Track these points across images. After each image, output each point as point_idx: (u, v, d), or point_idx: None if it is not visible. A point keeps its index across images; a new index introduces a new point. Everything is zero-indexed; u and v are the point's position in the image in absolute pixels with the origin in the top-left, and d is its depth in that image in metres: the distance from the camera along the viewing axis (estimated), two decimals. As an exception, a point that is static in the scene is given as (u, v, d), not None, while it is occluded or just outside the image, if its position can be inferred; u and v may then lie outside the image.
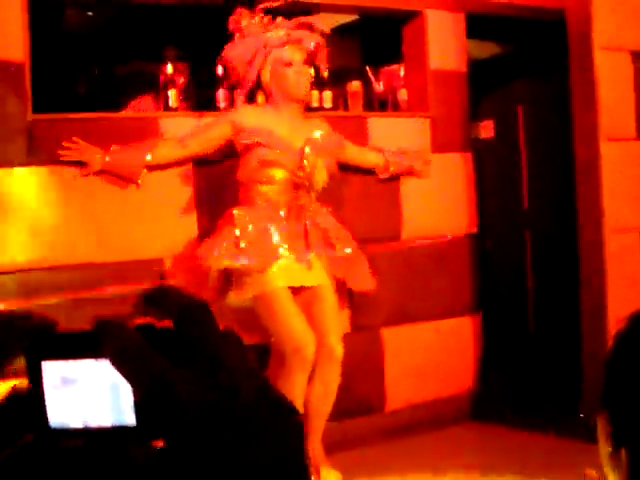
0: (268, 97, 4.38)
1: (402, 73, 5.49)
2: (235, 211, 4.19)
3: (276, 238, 4.17)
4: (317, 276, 4.27)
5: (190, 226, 4.57)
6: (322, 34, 4.38)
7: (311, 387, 4.26)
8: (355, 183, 5.05)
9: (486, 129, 6.30)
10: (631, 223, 5.09)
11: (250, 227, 4.14)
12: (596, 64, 4.92)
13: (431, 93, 5.44)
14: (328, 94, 5.14)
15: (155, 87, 4.73)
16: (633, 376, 1.10)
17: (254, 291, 4.13)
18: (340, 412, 4.89)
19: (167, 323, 0.69)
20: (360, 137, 5.09)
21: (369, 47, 6.24)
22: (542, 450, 4.83)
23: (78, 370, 0.71)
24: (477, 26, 5.64)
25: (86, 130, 4.32)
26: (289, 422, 0.68)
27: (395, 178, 5.14)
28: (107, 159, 4.22)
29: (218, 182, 4.64)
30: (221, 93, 4.78)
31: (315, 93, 5.04)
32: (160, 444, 0.68)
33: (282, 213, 4.23)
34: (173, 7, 4.87)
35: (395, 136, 5.24)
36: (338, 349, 4.25)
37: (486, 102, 6.23)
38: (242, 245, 4.09)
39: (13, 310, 0.75)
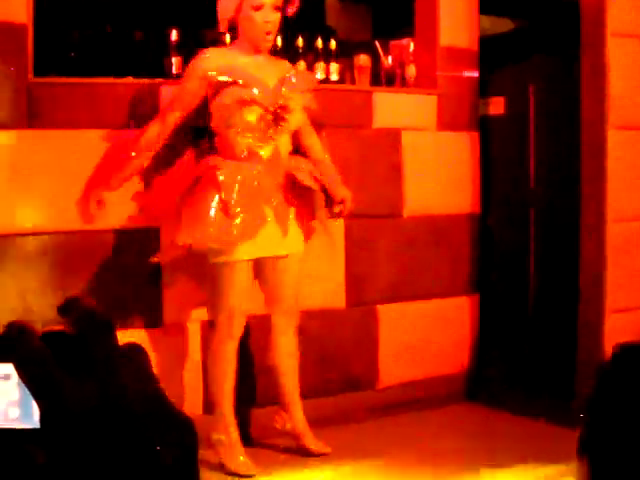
0: (235, 39, 4.25)
1: (412, 48, 5.42)
2: (220, 176, 4.02)
3: (258, 199, 4.09)
4: (289, 244, 4.24)
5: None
6: None
7: (275, 352, 4.37)
8: (355, 157, 5.02)
9: (496, 105, 6.24)
10: (634, 212, 5.05)
11: (236, 191, 4.02)
12: (607, 50, 4.85)
13: (440, 70, 5.37)
14: (335, 67, 5.08)
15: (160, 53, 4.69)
16: (615, 420, 1.07)
17: (218, 258, 4.08)
18: (332, 387, 4.92)
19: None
20: (365, 112, 5.05)
21: (379, 19, 6.17)
22: (532, 434, 4.83)
23: None
24: (492, 1, 5.57)
25: (86, 94, 4.30)
26: (178, 432, 0.75)
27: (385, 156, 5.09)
28: (113, 185, 4.11)
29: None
30: (174, 60, 4.72)
31: (322, 65, 5.00)
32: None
33: (260, 167, 4.10)
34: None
35: (400, 112, 5.20)
36: (295, 315, 4.36)
37: (498, 78, 6.17)
38: (234, 220, 4.00)
39: None
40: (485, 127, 5.79)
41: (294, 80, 4.22)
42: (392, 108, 5.17)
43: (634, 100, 4.99)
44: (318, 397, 4.82)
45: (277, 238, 4.17)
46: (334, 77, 5.13)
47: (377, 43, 5.59)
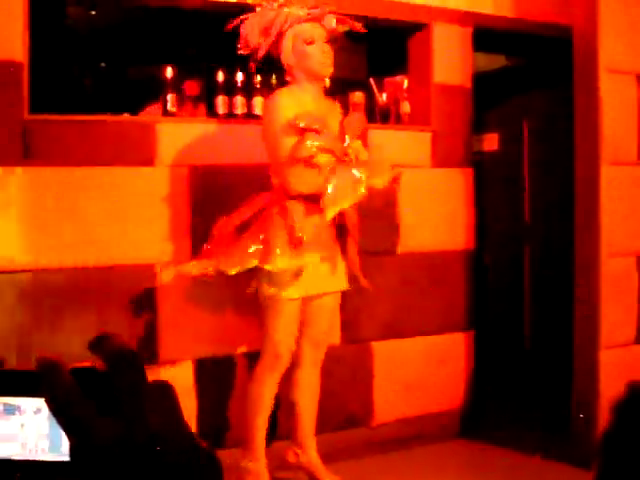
0: (289, 77, 4.21)
1: (406, 85, 5.46)
2: (289, 204, 4.01)
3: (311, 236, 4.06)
4: (337, 281, 4.23)
5: (183, 230, 4.55)
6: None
7: (296, 387, 4.35)
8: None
9: (490, 142, 6.29)
10: (628, 247, 5.06)
11: (299, 220, 4.01)
12: (600, 86, 4.88)
13: (434, 107, 5.41)
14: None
15: (156, 91, 4.71)
16: (633, 456, 1.07)
17: (272, 292, 4.08)
18: (327, 424, 4.89)
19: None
20: (360, 149, 5.07)
21: (374, 57, 6.21)
22: (529, 471, 4.82)
23: (19, 406, 0.77)
24: (485, 39, 5.62)
25: (82, 132, 4.32)
26: (206, 470, 0.75)
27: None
28: None
29: (214, 185, 4.63)
30: (220, 99, 4.76)
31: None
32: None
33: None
34: (178, 10, 4.85)
35: (395, 149, 5.22)
36: (323, 348, 4.35)
37: (491, 114, 6.22)
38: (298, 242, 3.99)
39: None
40: (479, 163, 5.83)
41: (353, 125, 4.23)
42: (387, 144, 5.19)
43: (627, 136, 5.02)
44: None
45: (327, 275, 4.18)
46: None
47: (372, 80, 5.62)
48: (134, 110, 4.52)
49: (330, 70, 4.17)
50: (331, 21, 4.18)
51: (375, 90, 5.56)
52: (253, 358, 4.38)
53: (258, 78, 4.85)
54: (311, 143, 3.98)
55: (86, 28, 5.09)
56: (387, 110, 5.54)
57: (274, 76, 4.92)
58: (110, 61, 4.94)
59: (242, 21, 4.13)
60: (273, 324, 4.13)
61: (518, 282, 6.27)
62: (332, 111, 4.26)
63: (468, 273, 5.57)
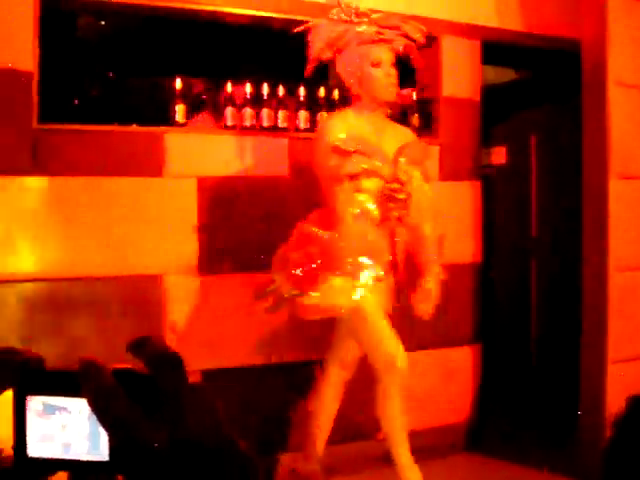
0: (351, 98, 4.18)
1: (414, 98, 5.46)
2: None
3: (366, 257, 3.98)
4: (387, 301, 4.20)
5: (191, 242, 4.56)
6: (411, 39, 4.16)
7: (383, 406, 4.21)
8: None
9: (498, 155, 6.28)
10: (636, 261, 5.05)
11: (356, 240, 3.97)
12: (609, 100, 4.87)
13: (442, 120, 5.41)
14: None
15: (165, 101, 4.72)
16: (634, 471, 1.06)
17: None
18: (333, 437, 4.87)
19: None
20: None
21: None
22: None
23: (60, 406, 0.78)
24: (494, 52, 5.62)
25: (90, 142, 4.33)
26: (244, 472, 0.75)
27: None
28: None
29: (222, 197, 4.63)
30: (229, 111, 4.76)
31: (324, 114, 5.02)
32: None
33: (373, 226, 4.04)
34: (188, 21, 4.86)
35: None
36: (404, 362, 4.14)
37: (500, 128, 6.22)
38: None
39: (4, 347, 0.82)
40: (487, 176, 5.82)
41: (412, 151, 4.19)
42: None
43: (635, 149, 5.02)
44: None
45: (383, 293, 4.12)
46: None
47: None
48: (142, 120, 4.53)
49: (393, 96, 4.12)
50: (400, 44, 4.11)
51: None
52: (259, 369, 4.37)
53: (266, 90, 4.85)
54: (357, 162, 3.93)
55: (96, 38, 5.11)
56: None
57: (282, 88, 4.92)
58: (119, 71, 4.95)
59: (310, 29, 4.07)
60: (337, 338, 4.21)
61: (525, 296, 6.25)
62: (394, 137, 4.18)
63: (476, 286, 5.56)
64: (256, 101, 4.83)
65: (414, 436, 5.22)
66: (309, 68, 4.09)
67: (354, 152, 3.94)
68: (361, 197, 4.01)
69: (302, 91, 5.01)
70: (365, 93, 4.07)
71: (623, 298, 4.97)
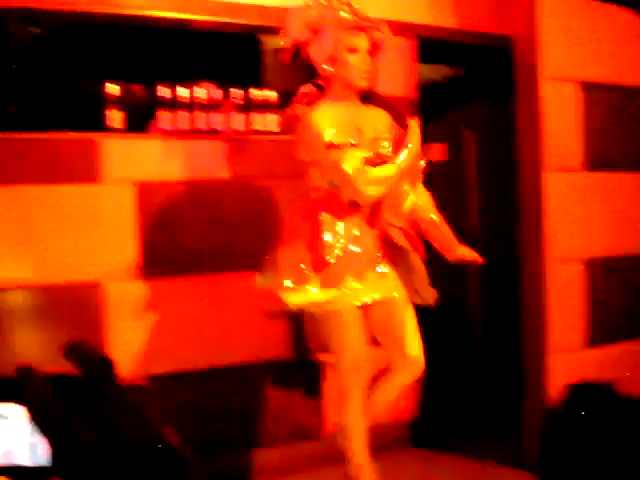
0: (325, 85, 4.12)
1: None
2: (323, 216, 3.97)
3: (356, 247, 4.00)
4: (390, 287, 4.13)
5: (130, 249, 4.53)
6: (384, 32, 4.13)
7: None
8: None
9: (437, 152, 6.32)
10: (575, 254, 5.11)
11: (340, 235, 3.98)
12: (542, 95, 4.94)
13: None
14: (273, 118, 5.07)
15: (98, 107, 4.68)
16: (570, 458, 1.08)
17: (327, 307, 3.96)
18: (277, 437, 4.89)
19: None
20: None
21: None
22: (480, 476, 4.84)
23: (2, 412, 0.84)
24: (430, 50, 5.64)
25: (23, 150, 4.28)
26: (173, 466, 0.83)
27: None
28: None
29: (160, 201, 4.62)
30: (164, 115, 4.74)
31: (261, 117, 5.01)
32: None
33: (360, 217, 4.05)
34: (121, 26, 4.83)
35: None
36: (420, 362, 4.14)
37: (437, 125, 6.25)
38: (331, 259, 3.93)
39: None
40: (426, 174, 5.85)
41: (395, 137, 4.14)
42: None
43: (572, 142, 5.08)
44: (264, 447, 4.81)
45: (374, 281, 4.07)
46: (274, 128, 5.10)
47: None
48: (75, 127, 4.49)
49: (366, 83, 4.10)
50: (378, 34, 4.09)
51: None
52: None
53: (200, 93, 4.83)
54: (355, 155, 3.89)
55: (29, 45, 5.05)
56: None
57: (216, 90, 4.90)
58: (53, 78, 4.90)
59: (310, 51, 4.06)
60: (339, 338, 4.05)
61: (465, 287, 6.31)
62: (373, 120, 4.15)
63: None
64: (190, 104, 4.81)
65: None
66: (286, 52, 4.10)
67: (351, 146, 3.93)
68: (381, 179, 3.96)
69: (236, 93, 4.99)
70: (338, 79, 4.06)
71: (562, 289, 5.03)
